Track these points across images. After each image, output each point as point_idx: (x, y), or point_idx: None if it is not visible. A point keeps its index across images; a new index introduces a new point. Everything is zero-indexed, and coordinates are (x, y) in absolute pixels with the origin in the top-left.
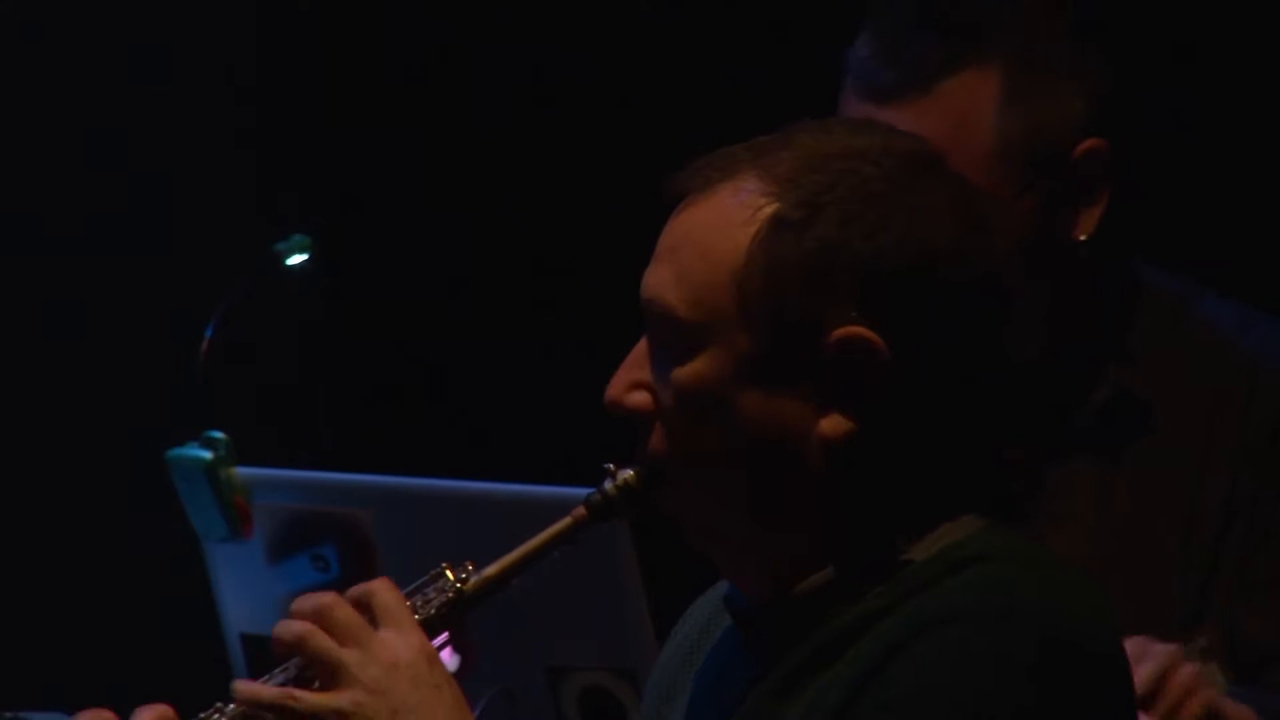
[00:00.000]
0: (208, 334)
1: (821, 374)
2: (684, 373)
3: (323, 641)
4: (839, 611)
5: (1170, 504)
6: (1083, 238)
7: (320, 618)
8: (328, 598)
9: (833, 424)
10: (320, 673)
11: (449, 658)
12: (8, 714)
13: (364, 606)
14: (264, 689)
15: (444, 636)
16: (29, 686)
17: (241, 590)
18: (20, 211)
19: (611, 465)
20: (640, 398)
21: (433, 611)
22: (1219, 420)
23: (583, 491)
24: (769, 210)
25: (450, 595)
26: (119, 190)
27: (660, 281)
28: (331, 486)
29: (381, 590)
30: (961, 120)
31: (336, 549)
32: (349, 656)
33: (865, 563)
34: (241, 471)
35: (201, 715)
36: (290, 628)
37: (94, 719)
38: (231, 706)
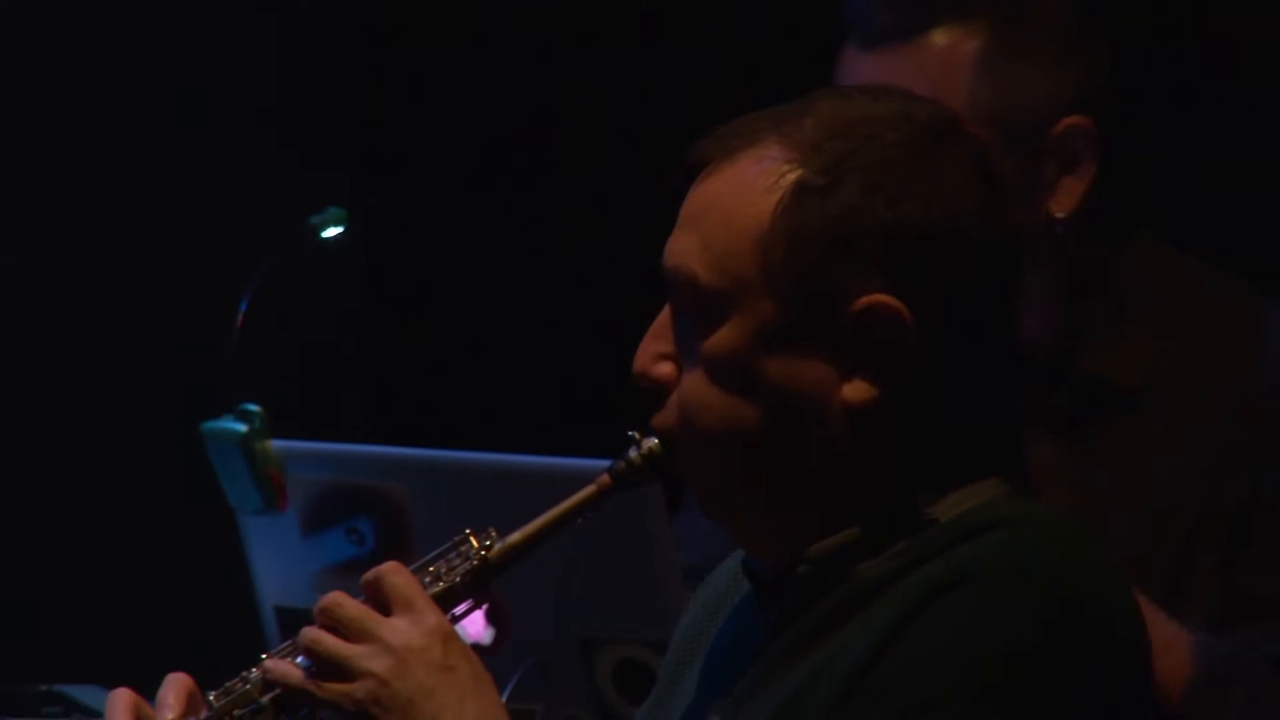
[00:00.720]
0: (243, 307)
1: (845, 341)
2: (709, 341)
3: (328, 643)
4: (856, 573)
5: (1143, 486)
6: (1060, 215)
7: (328, 617)
8: (332, 596)
9: (856, 390)
10: (335, 672)
11: (484, 631)
12: (44, 686)
13: (377, 592)
14: (292, 672)
15: (467, 604)
16: (65, 659)
17: (276, 563)
18: (59, 184)
19: (635, 433)
20: (665, 368)
21: (457, 579)
22: (1213, 400)
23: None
24: (792, 177)
25: (474, 563)
26: (157, 162)
27: (683, 249)
28: (367, 459)
29: (391, 573)
30: (937, 75)
31: (372, 522)
32: (357, 651)
33: (884, 527)
34: (276, 444)
35: (227, 684)
36: (302, 635)
37: (177, 681)
38: (255, 674)
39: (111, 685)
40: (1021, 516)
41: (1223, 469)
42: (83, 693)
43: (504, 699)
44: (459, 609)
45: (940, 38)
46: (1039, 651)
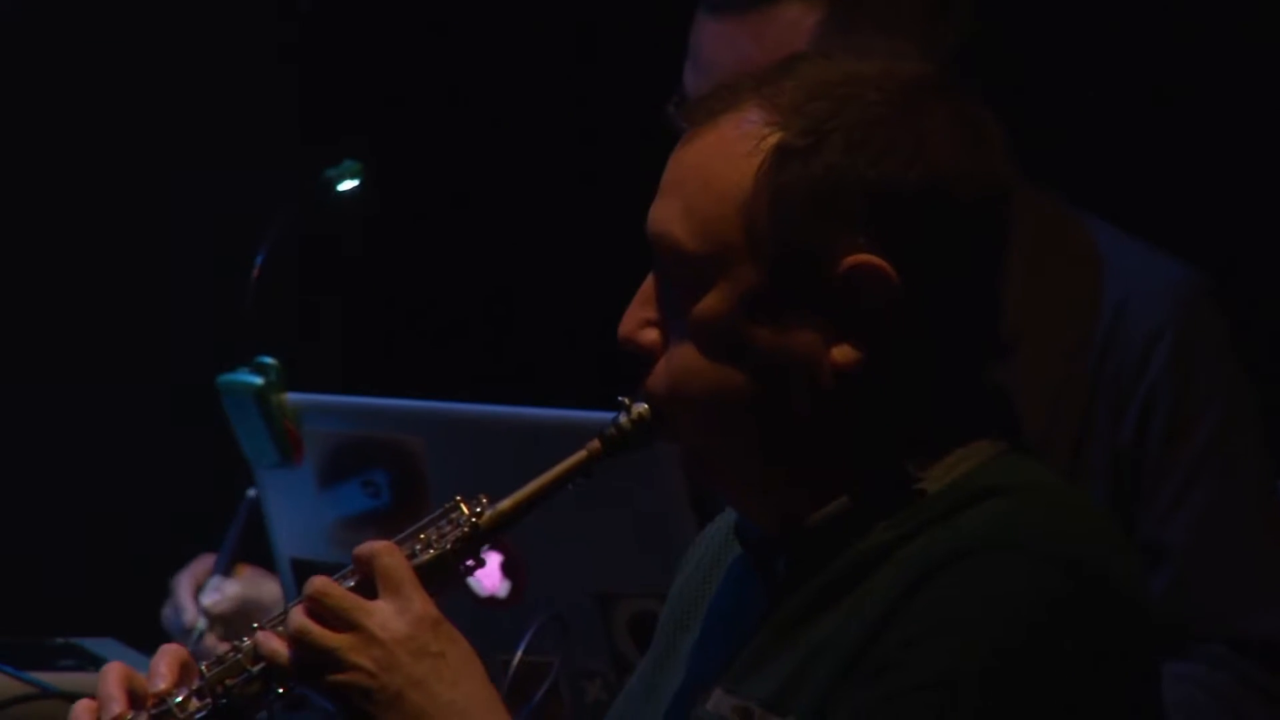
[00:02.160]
0: (258, 259)
1: (831, 303)
2: (694, 308)
3: (316, 635)
4: (852, 542)
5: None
6: None
7: (314, 605)
8: (318, 584)
9: (844, 353)
10: (323, 663)
11: (500, 585)
12: (59, 639)
13: (367, 569)
14: (281, 650)
15: (470, 563)
16: (81, 613)
17: (292, 516)
18: (74, 135)
19: (625, 399)
20: (651, 334)
21: (447, 547)
22: (1083, 338)
23: None
24: (773, 140)
25: (465, 530)
26: (173, 115)
27: (666, 216)
28: (382, 412)
29: (383, 554)
30: (777, 46)
31: (388, 475)
32: (343, 643)
33: (878, 493)
34: (292, 397)
35: (219, 653)
36: (290, 621)
37: (170, 652)
38: (246, 643)
39: (127, 639)
40: (1018, 482)
41: (1094, 399)
42: (98, 645)
43: (520, 652)
44: (468, 563)
45: (783, 11)
46: (1040, 627)
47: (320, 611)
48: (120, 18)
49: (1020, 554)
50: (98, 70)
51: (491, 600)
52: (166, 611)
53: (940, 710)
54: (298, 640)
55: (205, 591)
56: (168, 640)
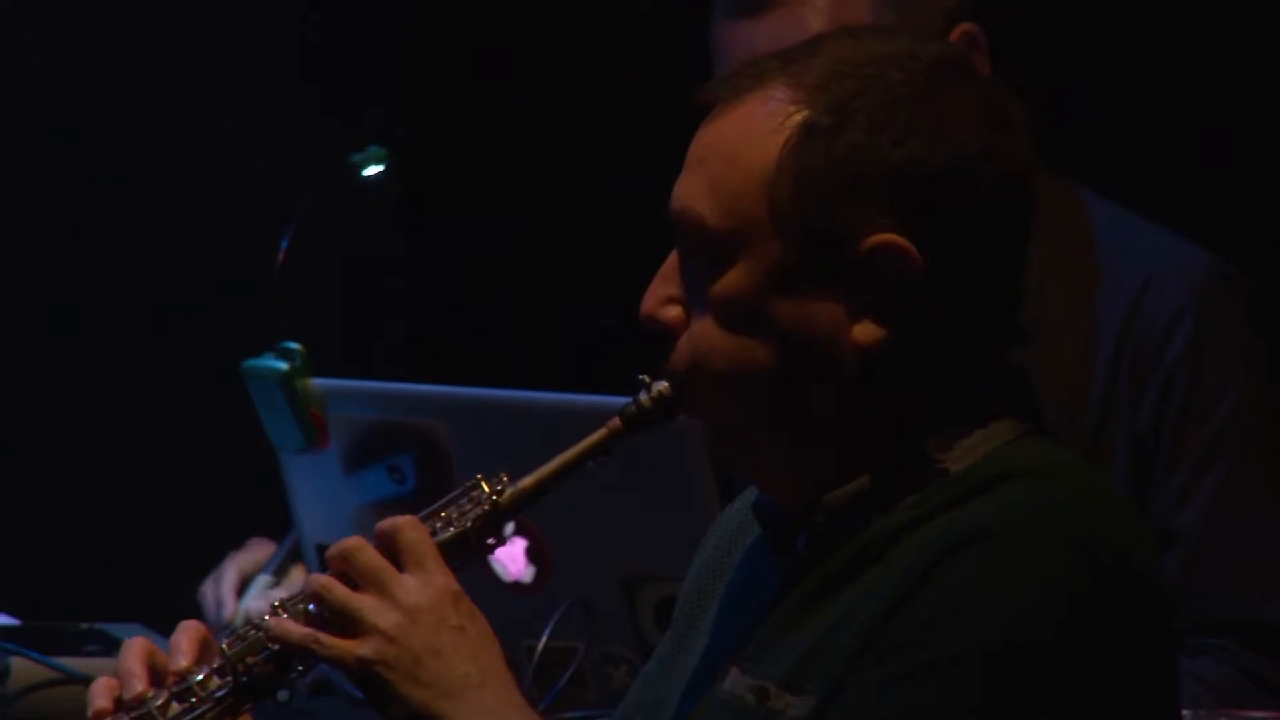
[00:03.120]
0: (284, 245)
1: (854, 281)
2: (717, 285)
3: (339, 593)
4: (872, 522)
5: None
6: None
7: (343, 562)
8: (352, 542)
9: (866, 331)
10: (342, 623)
11: (525, 569)
12: (85, 625)
13: (390, 544)
14: (293, 628)
15: (492, 540)
16: (107, 598)
17: (317, 501)
18: (101, 121)
19: (646, 377)
20: (674, 312)
21: (468, 524)
22: (1100, 322)
23: None
24: (798, 118)
25: (486, 508)
26: (200, 100)
27: (691, 192)
28: (407, 398)
29: (407, 529)
30: (834, 15)
31: (413, 460)
32: (366, 604)
33: (898, 472)
34: (317, 383)
35: (239, 631)
36: (312, 581)
37: (190, 629)
38: (268, 620)
39: (152, 624)
40: (1039, 465)
41: (1114, 383)
42: (124, 630)
43: (545, 637)
44: (490, 540)
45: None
46: (1058, 611)
47: (347, 570)
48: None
49: (1040, 537)
50: (125, 56)
51: (517, 585)
52: (206, 592)
53: (956, 690)
54: (319, 598)
55: (251, 590)
56: (206, 621)
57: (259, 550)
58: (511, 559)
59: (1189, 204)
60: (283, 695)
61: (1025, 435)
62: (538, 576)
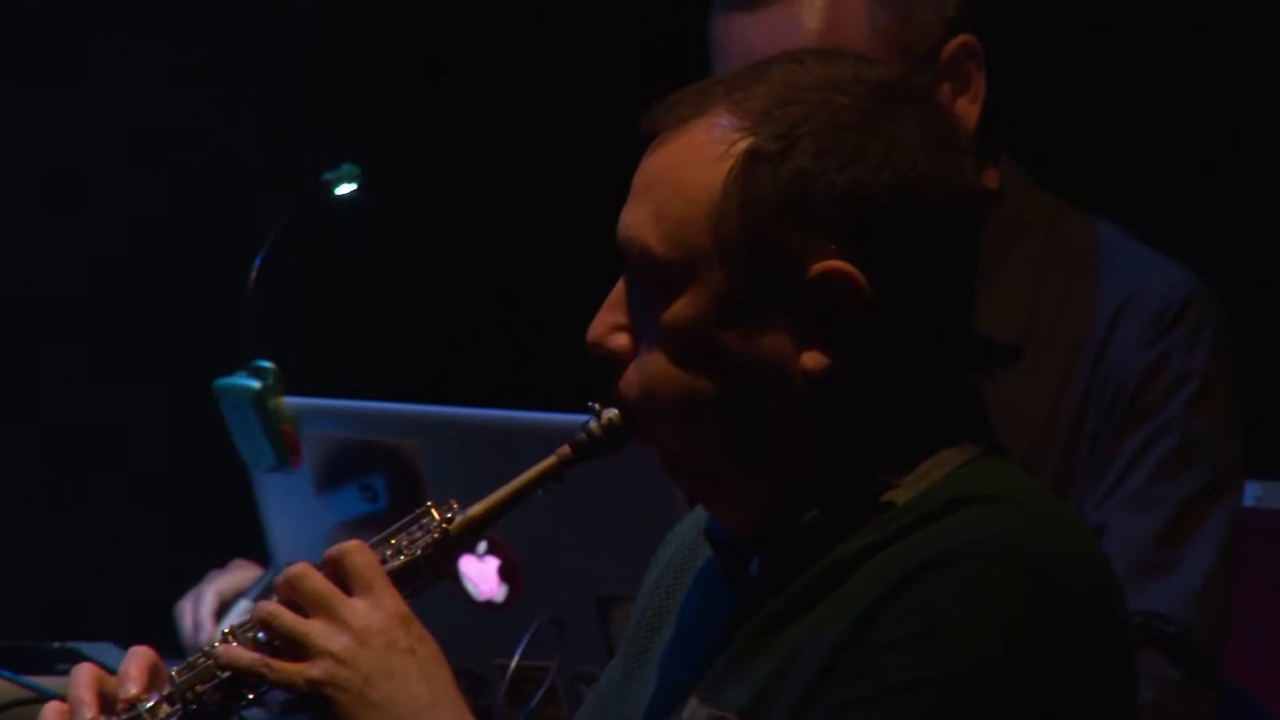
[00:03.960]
0: (257, 263)
1: (802, 309)
2: (665, 314)
3: (287, 619)
4: (827, 550)
5: (1022, 432)
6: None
7: (290, 589)
8: (298, 568)
9: (814, 359)
10: (292, 648)
11: (497, 588)
12: (57, 644)
13: (338, 569)
14: (242, 654)
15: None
16: (79, 617)
17: (290, 520)
18: (73, 141)
19: (596, 404)
20: (621, 340)
21: (418, 552)
22: (1079, 343)
23: None
24: (743, 145)
25: (435, 535)
26: (171, 118)
27: (636, 221)
28: (380, 416)
29: (354, 553)
30: (833, 17)
31: (385, 479)
32: (314, 628)
33: (849, 500)
34: (289, 401)
35: (190, 659)
36: (260, 609)
37: (140, 655)
38: (217, 648)
39: (125, 643)
40: (992, 489)
41: (1086, 404)
42: (96, 650)
43: (517, 655)
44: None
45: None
46: (1016, 634)
47: (294, 597)
48: (131, 17)
49: (995, 563)
50: (94, 72)
51: (489, 604)
52: (184, 612)
53: (916, 714)
54: (266, 625)
55: (231, 614)
56: (178, 640)
57: (240, 573)
58: (484, 578)
59: (1182, 217)
60: None
61: (978, 458)
62: (510, 595)
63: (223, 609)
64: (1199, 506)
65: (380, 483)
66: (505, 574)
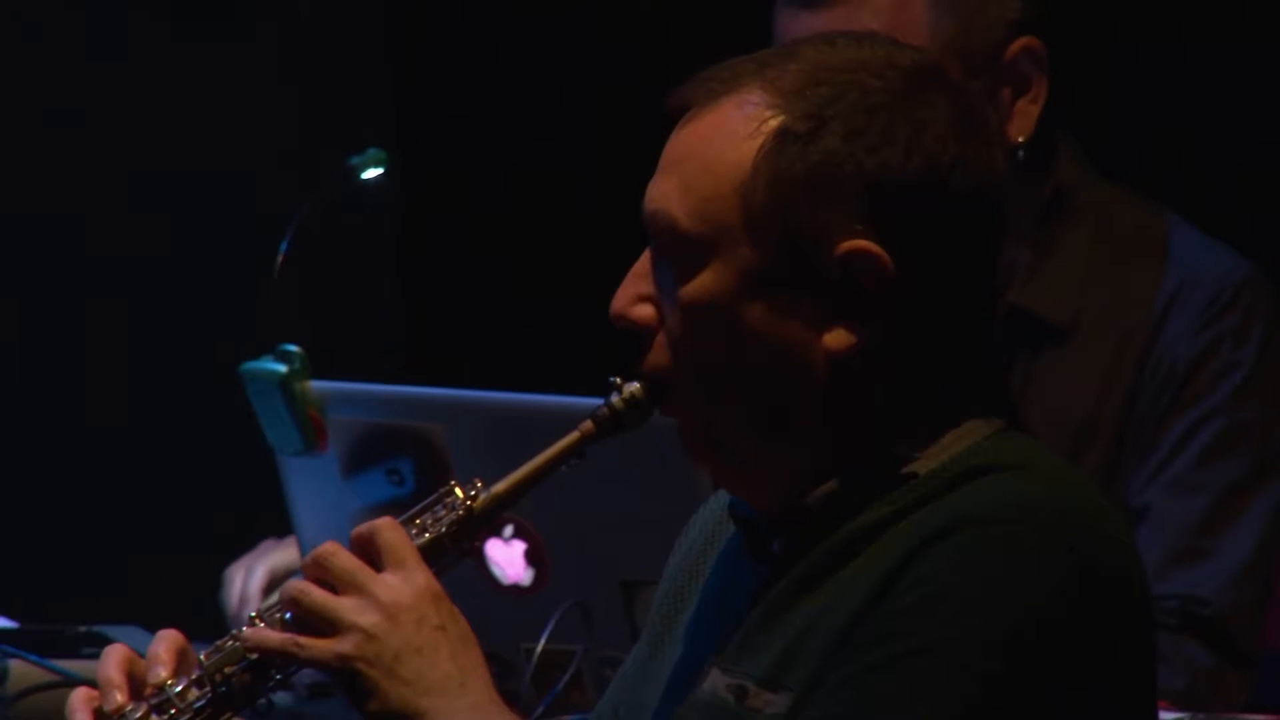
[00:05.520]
0: (283, 248)
1: (826, 287)
2: (688, 287)
3: (316, 596)
4: (846, 521)
5: (1067, 415)
6: (1020, 139)
7: (319, 568)
8: (327, 547)
9: (837, 337)
10: (321, 625)
11: (523, 572)
12: (83, 628)
13: (369, 546)
14: (270, 636)
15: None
16: (105, 600)
17: (316, 504)
18: (99, 124)
19: (617, 379)
20: (645, 311)
21: (443, 530)
22: (1135, 328)
23: None
24: (774, 123)
25: (460, 514)
26: (200, 102)
27: (664, 194)
28: (406, 400)
29: (385, 529)
30: (893, 19)
31: (411, 463)
32: (344, 604)
33: (871, 474)
34: (316, 385)
35: (217, 642)
36: (288, 589)
37: (168, 639)
38: (246, 630)
39: (151, 627)
40: (1012, 459)
41: (1139, 387)
42: (122, 633)
43: (543, 640)
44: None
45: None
46: (1036, 599)
47: (323, 575)
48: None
49: (1015, 528)
50: (124, 55)
51: (515, 588)
52: (233, 580)
53: (936, 677)
54: (295, 603)
55: (275, 595)
56: (205, 623)
57: (293, 550)
58: (510, 561)
59: (1236, 206)
60: (261, 704)
61: (999, 432)
62: (536, 579)
63: (272, 585)
64: (1242, 493)
65: (406, 467)
66: (531, 558)
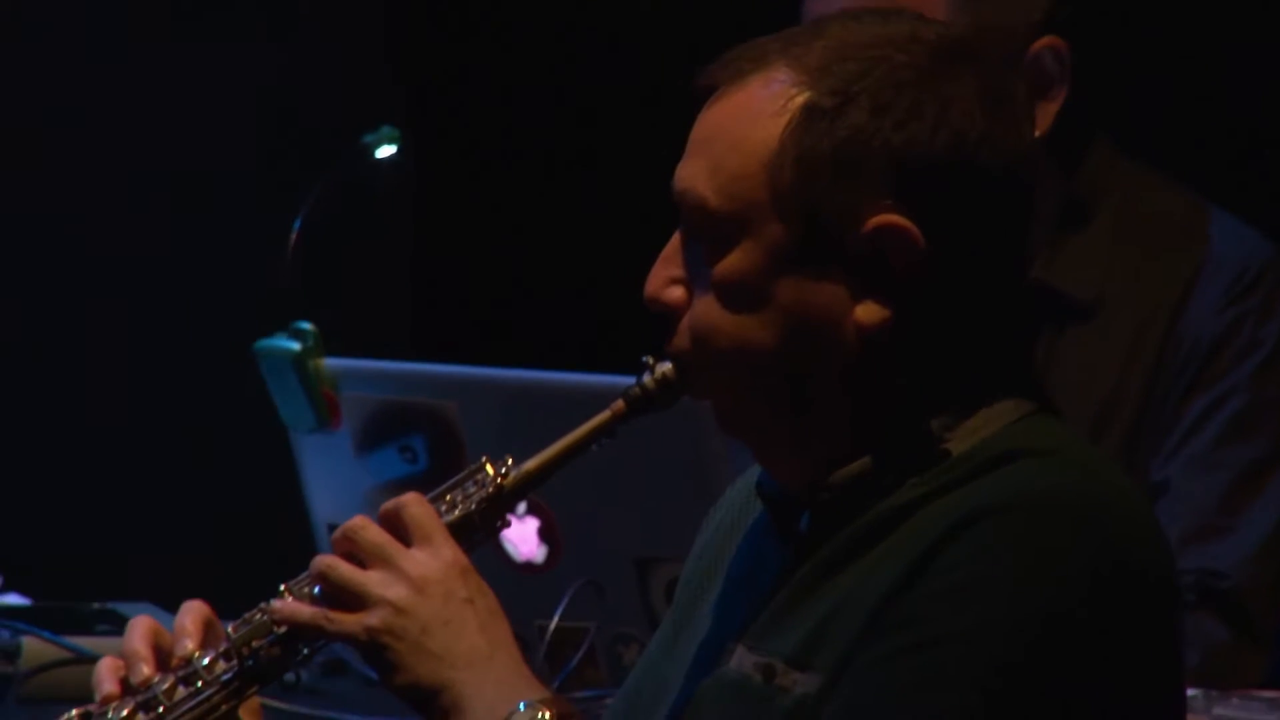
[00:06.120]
0: (296, 225)
1: (856, 263)
2: (719, 267)
3: (344, 570)
4: (877, 500)
5: (1090, 392)
6: (1036, 135)
7: (348, 542)
8: (356, 521)
9: (868, 312)
10: (349, 599)
11: (537, 550)
12: (97, 604)
13: (397, 522)
14: (300, 609)
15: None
16: (119, 577)
17: (329, 481)
18: (113, 99)
19: (650, 358)
20: (677, 293)
21: (473, 507)
22: (1160, 307)
23: None
24: (800, 100)
25: (490, 490)
26: (212, 80)
27: (693, 174)
28: (419, 378)
29: (412, 504)
30: (915, 7)
31: (424, 440)
32: (372, 578)
33: (902, 453)
34: (329, 363)
35: (245, 615)
36: (316, 563)
37: (194, 610)
38: (274, 603)
39: (164, 603)
40: (1045, 444)
41: (1161, 365)
42: (135, 610)
43: (556, 617)
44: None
45: None
46: (1066, 586)
47: (351, 550)
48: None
49: (1046, 514)
50: (140, 30)
51: (529, 565)
52: None
53: (962, 663)
54: (324, 578)
55: None
56: (217, 601)
57: None
58: (523, 539)
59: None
60: (289, 678)
61: (1030, 415)
62: (549, 556)
63: None
64: (1262, 472)
65: (420, 444)
66: (545, 535)
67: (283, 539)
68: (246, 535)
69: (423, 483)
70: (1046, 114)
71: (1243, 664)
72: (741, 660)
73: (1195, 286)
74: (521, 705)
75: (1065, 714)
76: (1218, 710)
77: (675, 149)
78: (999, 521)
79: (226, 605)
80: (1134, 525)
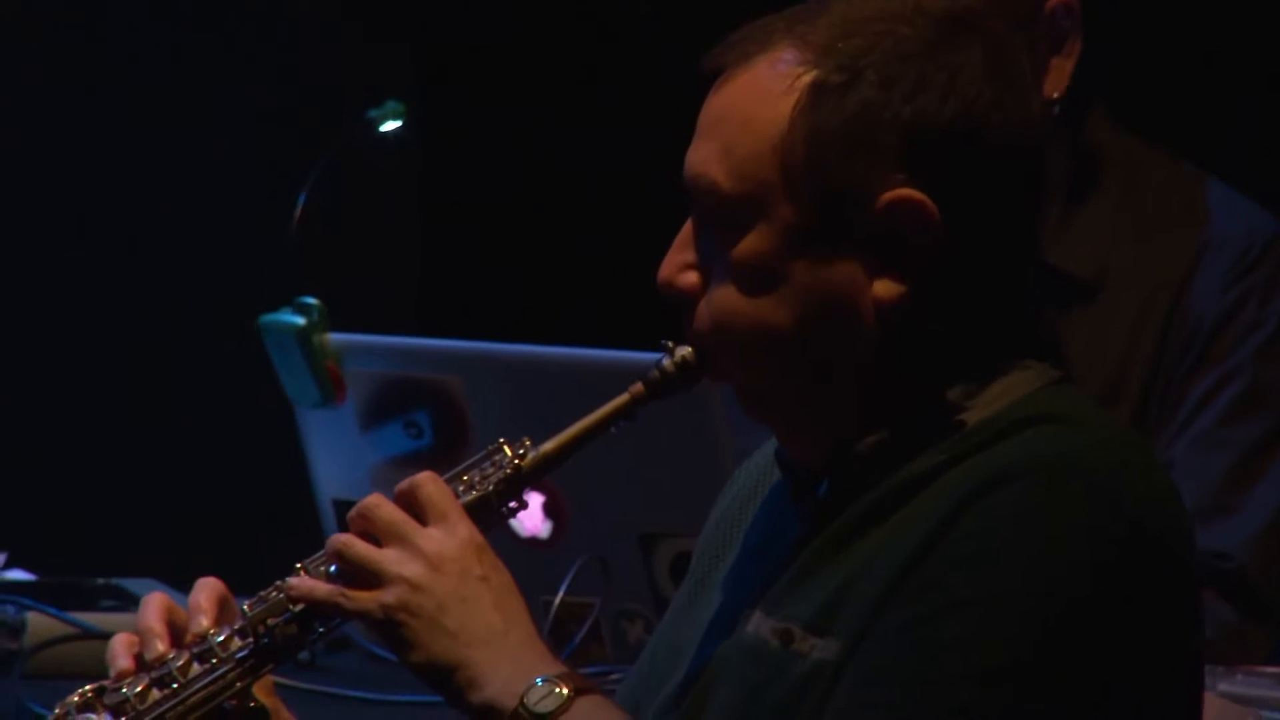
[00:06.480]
0: (301, 200)
1: (871, 239)
2: (734, 249)
3: (359, 548)
4: (896, 469)
5: (1095, 370)
6: (1055, 95)
7: (363, 520)
8: (371, 499)
9: (885, 288)
10: (365, 577)
11: (542, 525)
12: (102, 580)
13: (412, 500)
14: (317, 586)
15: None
16: (124, 553)
17: (334, 456)
18: (117, 76)
19: (669, 342)
20: (690, 278)
21: (490, 488)
22: (1165, 281)
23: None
24: (808, 78)
25: (508, 471)
26: (217, 56)
27: (703, 158)
28: (423, 353)
29: (427, 483)
30: None
31: (429, 415)
32: (388, 555)
33: (921, 423)
34: (334, 338)
35: (261, 593)
36: (332, 541)
37: (209, 587)
38: (289, 581)
39: (168, 578)
40: (1063, 411)
41: (1167, 339)
42: (140, 586)
43: (561, 593)
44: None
45: None
46: (1084, 554)
47: (367, 528)
48: None
49: (1065, 481)
50: (146, 6)
51: (534, 541)
52: None
53: (981, 629)
54: (340, 556)
55: None
56: (223, 577)
57: None
58: (528, 515)
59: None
60: (304, 656)
61: (1049, 385)
62: (554, 532)
63: None
64: (1266, 450)
65: (424, 419)
66: (550, 511)
67: (287, 514)
68: (251, 510)
69: (428, 458)
70: (1063, 71)
71: (1249, 642)
72: (759, 625)
73: (1198, 265)
74: (538, 680)
75: (1085, 676)
76: (1223, 686)
77: (685, 125)
78: (1018, 487)
79: (233, 580)
80: (1152, 488)
